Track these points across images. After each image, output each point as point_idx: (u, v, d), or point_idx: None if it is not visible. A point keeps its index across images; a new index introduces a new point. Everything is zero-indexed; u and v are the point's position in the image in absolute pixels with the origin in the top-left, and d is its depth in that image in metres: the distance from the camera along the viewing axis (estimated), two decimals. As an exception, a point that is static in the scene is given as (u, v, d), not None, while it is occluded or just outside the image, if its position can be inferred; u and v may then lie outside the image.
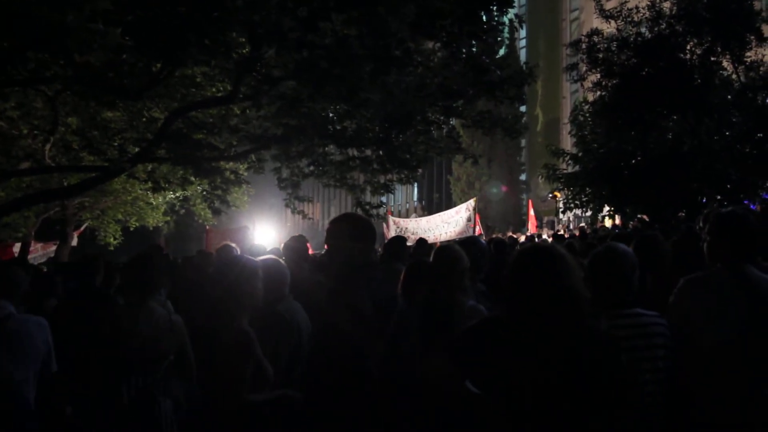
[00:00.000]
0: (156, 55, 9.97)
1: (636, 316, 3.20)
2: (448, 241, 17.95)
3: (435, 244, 12.19)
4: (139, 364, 4.03)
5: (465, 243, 5.03)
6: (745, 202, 14.08)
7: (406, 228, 22.41)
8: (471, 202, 20.29)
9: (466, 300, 4.01)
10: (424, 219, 23.52)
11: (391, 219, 24.32)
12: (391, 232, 22.24)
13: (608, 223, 20.79)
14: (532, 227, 25.93)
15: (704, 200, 14.97)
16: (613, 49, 15.37)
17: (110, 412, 3.98)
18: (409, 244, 10.46)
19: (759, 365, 3.23)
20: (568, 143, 29.10)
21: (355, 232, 3.65)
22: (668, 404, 3.20)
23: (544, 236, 19.14)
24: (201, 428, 3.85)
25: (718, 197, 14.46)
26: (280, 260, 4.79)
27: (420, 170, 16.57)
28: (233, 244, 8.14)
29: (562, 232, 19.91)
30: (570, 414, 2.59)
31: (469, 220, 19.54)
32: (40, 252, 25.26)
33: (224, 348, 3.64)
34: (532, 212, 26.60)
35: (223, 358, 3.63)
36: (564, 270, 2.68)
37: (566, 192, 17.66)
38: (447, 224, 20.68)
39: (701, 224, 5.35)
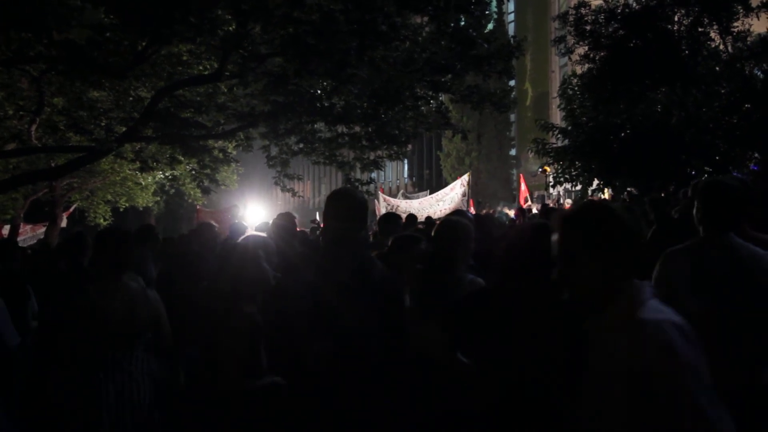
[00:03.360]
0: (141, 33, 9.90)
1: None
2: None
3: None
4: (116, 342, 4.02)
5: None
6: (735, 174, 14.12)
7: (398, 206, 22.32)
8: (465, 177, 20.16)
9: (466, 274, 4.02)
10: (416, 201, 23.35)
11: (382, 197, 24.24)
12: (382, 210, 22.18)
13: (607, 195, 20.77)
14: (522, 201, 25.88)
15: (693, 172, 14.99)
16: (601, 21, 15.30)
17: (90, 393, 3.98)
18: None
19: (739, 333, 3.27)
20: (557, 117, 29.05)
21: (343, 212, 3.65)
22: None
23: (534, 210, 19.14)
24: (201, 410, 3.85)
25: (707, 169, 14.50)
26: (262, 235, 4.80)
27: (409, 146, 16.54)
28: (213, 222, 8.17)
29: (552, 206, 19.91)
30: (559, 383, 2.62)
31: (464, 195, 19.42)
32: (29, 234, 25.20)
33: (231, 333, 3.64)
34: (523, 187, 26.50)
35: (230, 342, 3.63)
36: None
37: (556, 166, 17.65)
38: (442, 202, 20.56)
39: (689, 194, 5.42)
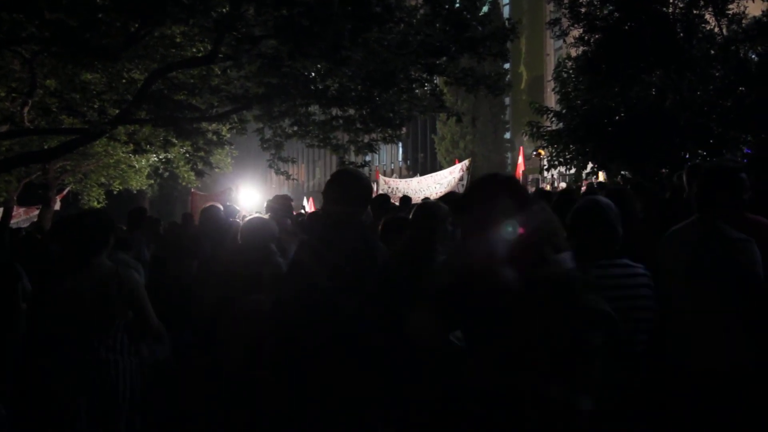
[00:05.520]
0: (133, 14, 9.83)
1: (624, 267, 3.25)
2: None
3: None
4: (90, 325, 4.01)
5: (442, 200, 5.06)
6: (729, 157, 14.12)
7: (396, 188, 22.21)
8: (466, 163, 20.04)
9: (440, 256, 4.00)
10: (415, 180, 23.25)
11: (382, 179, 24.17)
12: (380, 192, 22.08)
13: (602, 177, 20.73)
14: (518, 173, 25.87)
15: (687, 155, 15.00)
16: (596, 3, 15.25)
17: (68, 377, 4.00)
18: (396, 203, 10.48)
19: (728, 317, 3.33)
20: (552, 100, 29.02)
21: (344, 196, 3.61)
22: (652, 352, 3.28)
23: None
24: (199, 394, 3.86)
25: (701, 152, 14.51)
26: (264, 217, 4.79)
27: (404, 129, 16.50)
28: (219, 205, 8.18)
29: (548, 189, 19.89)
30: (550, 363, 2.62)
31: (461, 180, 19.29)
32: (23, 216, 25.17)
33: (237, 319, 3.65)
34: (520, 159, 26.30)
35: (234, 329, 3.64)
36: (547, 223, 2.71)
37: (550, 149, 17.62)
38: (439, 185, 20.44)
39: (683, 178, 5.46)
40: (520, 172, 25.24)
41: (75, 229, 4.21)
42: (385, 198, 8.15)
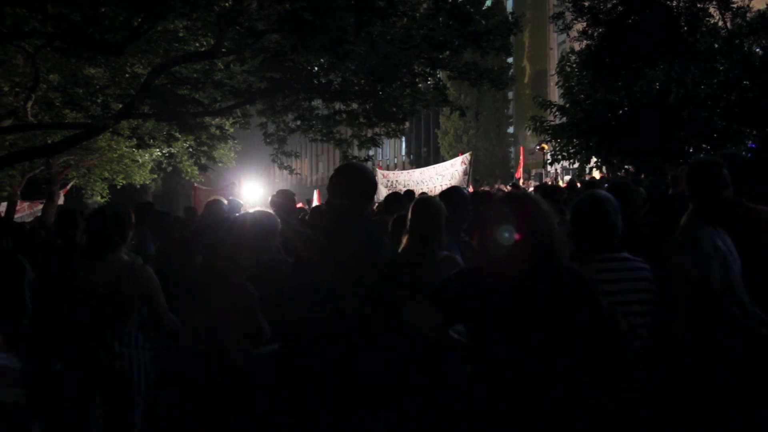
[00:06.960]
0: (136, 8, 9.84)
1: (624, 260, 3.28)
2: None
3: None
4: (103, 320, 4.03)
5: (445, 193, 5.06)
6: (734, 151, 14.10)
7: (397, 181, 22.05)
8: (467, 156, 19.99)
9: (439, 251, 4.00)
10: (417, 171, 23.09)
11: (380, 173, 24.07)
12: (381, 187, 21.96)
13: (597, 174, 20.76)
14: (518, 173, 25.93)
15: (691, 149, 14.99)
16: (600, -4, 15.25)
17: (76, 368, 4.02)
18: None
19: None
20: (555, 95, 28.97)
21: (348, 189, 3.62)
22: (655, 344, 3.29)
23: (530, 189, 19.07)
24: (203, 384, 3.87)
25: (705, 146, 14.50)
26: (269, 211, 4.79)
27: (407, 123, 16.49)
28: (223, 198, 8.17)
29: (550, 184, 19.85)
30: (552, 355, 2.63)
31: (465, 173, 19.22)
32: (26, 211, 25.17)
33: (227, 306, 3.66)
34: (520, 172, 26.44)
35: (228, 315, 3.65)
36: (538, 215, 2.71)
37: (554, 144, 17.62)
38: (441, 176, 20.31)
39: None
40: (520, 172, 25.35)
41: (94, 223, 4.23)
42: (396, 196, 8.18)
